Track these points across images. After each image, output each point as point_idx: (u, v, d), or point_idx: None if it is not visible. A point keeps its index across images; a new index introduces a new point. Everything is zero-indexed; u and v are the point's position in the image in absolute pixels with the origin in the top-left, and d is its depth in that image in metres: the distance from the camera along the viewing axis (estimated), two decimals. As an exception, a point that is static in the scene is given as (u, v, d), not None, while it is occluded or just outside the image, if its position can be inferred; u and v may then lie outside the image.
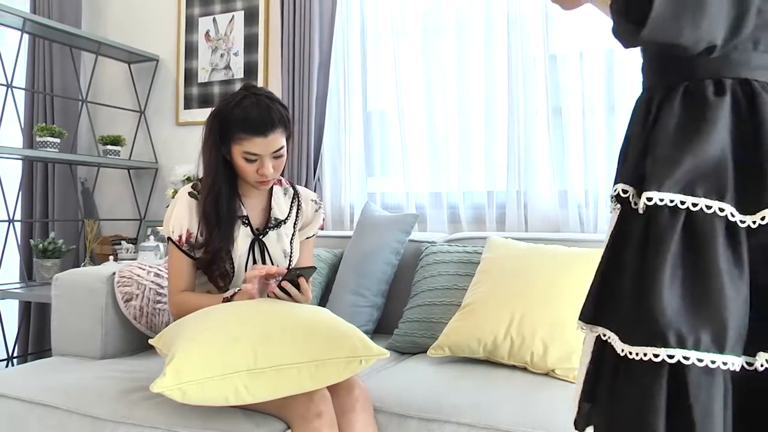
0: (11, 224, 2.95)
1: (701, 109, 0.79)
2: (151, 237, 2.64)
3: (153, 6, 3.31)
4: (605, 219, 2.26)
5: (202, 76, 3.16)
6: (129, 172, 3.31)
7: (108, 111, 3.40)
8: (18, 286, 2.95)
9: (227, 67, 3.09)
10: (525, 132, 2.41)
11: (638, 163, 0.83)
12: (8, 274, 3.07)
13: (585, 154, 2.33)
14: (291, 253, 1.77)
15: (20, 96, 3.24)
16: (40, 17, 3.02)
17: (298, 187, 1.86)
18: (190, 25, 3.19)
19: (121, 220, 3.34)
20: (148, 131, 3.30)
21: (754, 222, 0.75)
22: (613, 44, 2.13)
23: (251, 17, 3.04)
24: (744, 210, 0.77)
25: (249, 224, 1.71)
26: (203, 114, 3.00)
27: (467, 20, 2.54)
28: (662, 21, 0.72)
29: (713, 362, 0.73)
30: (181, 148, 3.21)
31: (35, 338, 3.23)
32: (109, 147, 3.13)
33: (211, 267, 1.66)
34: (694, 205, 0.76)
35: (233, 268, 1.67)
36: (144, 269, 2.04)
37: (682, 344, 0.73)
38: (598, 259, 0.91)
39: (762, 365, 0.76)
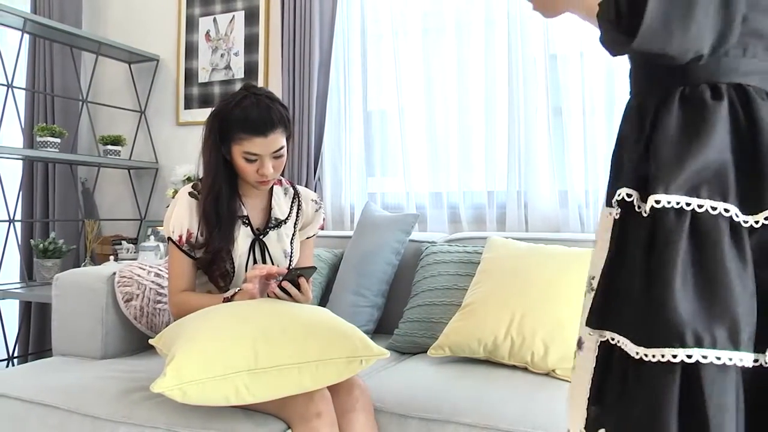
0: (11, 224, 2.95)
1: (700, 113, 0.80)
2: (152, 237, 2.64)
3: (153, 6, 3.32)
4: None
5: (203, 76, 3.16)
6: (129, 172, 3.31)
7: (108, 111, 3.40)
8: (18, 286, 2.95)
9: (227, 67, 3.10)
10: (525, 132, 2.41)
11: (639, 167, 0.83)
12: (9, 274, 3.07)
13: (585, 154, 2.33)
14: (291, 253, 1.77)
15: (21, 96, 3.24)
16: (41, 17, 3.02)
17: (298, 187, 1.86)
18: (191, 25, 3.19)
19: (121, 220, 3.34)
20: (148, 131, 3.30)
21: (756, 222, 0.77)
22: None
23: (251, 17, 3.04)
24: (746, 210, 0.78)
25: (249, 224, 1.71)
26: (203, 114, 3.00)
27: (467, 20, 2.54)
28: (653, 31, 0.74)
29: (730, 359, 0.74)
30: (182, 148, 3.21)
31: (36, 338, 3.23)
32: (110, 147, 3.13)
33: (211, 267, 1.66)
34: (700, 206, 0.77)
35: (233, 268, 1.67)
36: (144, 269, 2.04)
37: (699, 343, 0.74)
38: (591, 262, 0.92)
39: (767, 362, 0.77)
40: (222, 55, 3.11)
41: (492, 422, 1.43)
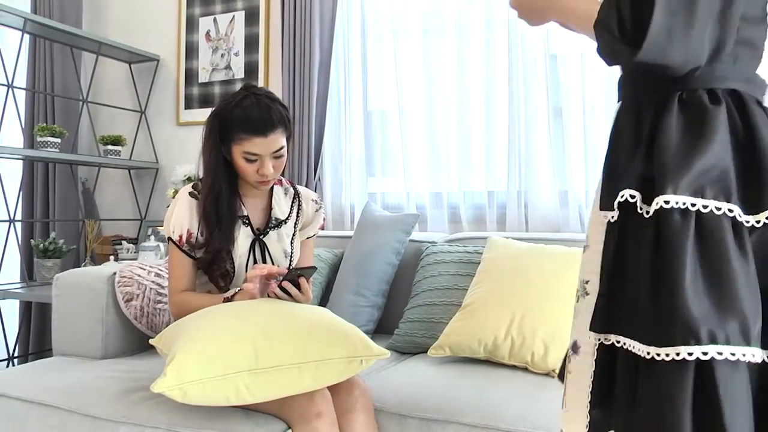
0: (12, 224, 2.95)
1: (701, 116, 0.83)
2: (152, 237, 2.64)
3: (153, 6, 3.32)
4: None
5: (203, 76, 3.16)
6: (129, 172, 3.31)
7: (108, 111, 3.40)
8: (19, 286, 2.95)
9: (228, 67, 3.10)
10: (525, 132, 2.41)
11: (640, 169, 0.85)
12: (9, 274, 3.07)
13: (585, 154, 2.33)
14: (291, 253, 1.77)
15: (21, 96, 3.24)
16: (41, 17, 3.02)
17: (298, 187, 1.86)
18: (191, 25, 3.19)
19: (121, 220, 3.34)
20: (148, 131, 3.30)
21: (758, 221, 0.80)
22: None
23: (252, 17, 3.04)
24: (747, 210, 0.81)
25: (249, 224, 1.71)
26: (204, 114, 3.00)
27: (468, 20, 2.54)
28: (657, 43, 0.77)
29: (743, 355, 0.77)
30: (182, 148, 3.21)
31: (36, 338, 3.23)
32: (110, 147, 3.13)
33: (211, 267, 1.66)
34: (705, 206, 0.80)
35: (234, 268, 1.67)
36: (144, 269, 2.04)
37: (713, 340, 0.76)
38: (582, 266, 0.93)
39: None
40: (222, 55, 3.11)
41: (492, 422, 1.43)
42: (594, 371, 0.90)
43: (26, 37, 3.00)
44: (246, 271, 1.66)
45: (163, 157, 3.28)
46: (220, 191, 1.64)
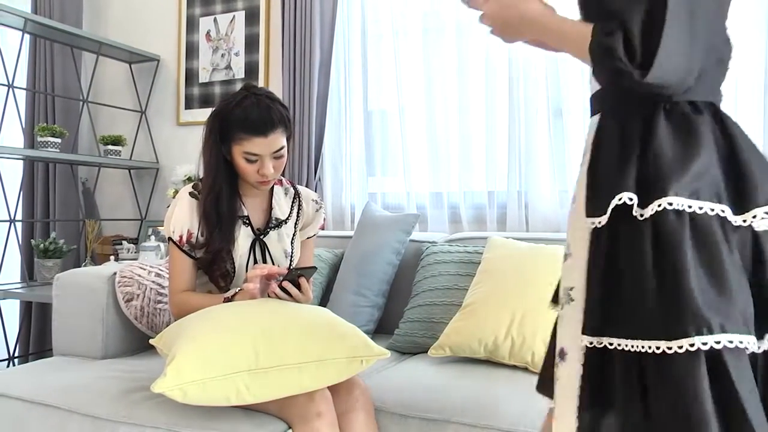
0: (12, 224, 2.95)
1: (688, 125, 0.89)
2: (152, 237, 2.65)
3: (154, 6, 3.32)
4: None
5: (203, 76, 3.16)
6: (130, 172, 3.32)
7: (109, 111, 3.40)
8: (19, 286, 2.95)
9: (228, 67, 3.10)
10: (526, 132, 2.41)
11: (635, 174, 0.89)
12: (9, 274, 3.07)
13: (586, 154, 2.33)
14: (292, 253, 1.77)
15: (21, 96, 3.24)
16: (41, 17, 3.02)
17: (298, 187, 1.86)
18: (191, 25, 3.19)
19: (122, 220, 3.34)
20: (149, 131, 3.30)
21: (744, 221, 0.86)
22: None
23: (252, 17, 3.04)
24: (735, 211, 0.87)
25: (250, 224, 1.71)
26: (204, 114, 3.00)
27: (468, 20, 2.54)
28: (665, 66, 0.83)
29: (750, 343, 0.81)
30: (182, 148, 3.21)
31: (36, 338, 3.23)
32: (110, 147, 3.13)
33: (211, 267, 1.66)
34: (700, 208, 0.85)
35: (234, 268, 1.67)
36: (145, 269, 2.04)
37: (723, 329, 0.80)
38: (564, 274, 0.97)
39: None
40: (222, 55, 3.11)
41: (492, 422, 1.43)
42: (582, 375, 0.92)
43: (26, 37, 3.00)
44: (246, 271, 1.66)
45: (163, 157, 3.28)
46: (221, 191, 1.64)
